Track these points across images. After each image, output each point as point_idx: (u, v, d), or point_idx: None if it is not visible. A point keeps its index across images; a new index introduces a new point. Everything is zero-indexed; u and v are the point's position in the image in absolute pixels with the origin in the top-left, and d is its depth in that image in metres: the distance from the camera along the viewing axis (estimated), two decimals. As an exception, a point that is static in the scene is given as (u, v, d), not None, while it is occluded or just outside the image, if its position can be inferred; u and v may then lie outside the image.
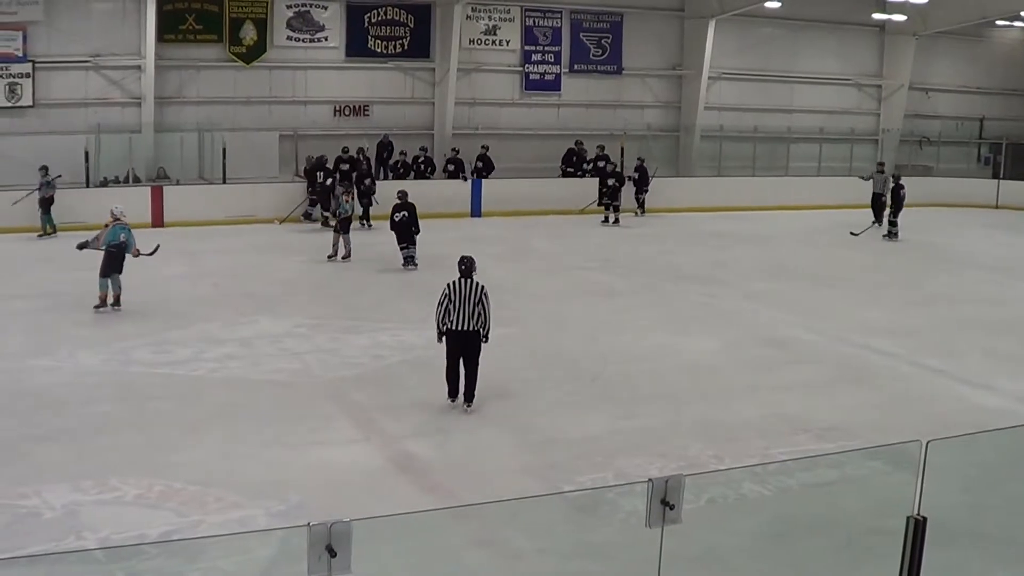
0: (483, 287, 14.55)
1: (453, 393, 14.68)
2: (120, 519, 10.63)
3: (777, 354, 18.09)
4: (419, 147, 33.95)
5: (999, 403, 15.39)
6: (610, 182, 32.86)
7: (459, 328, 14.37)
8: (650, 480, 6.26)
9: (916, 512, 6.79)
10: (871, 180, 33.05)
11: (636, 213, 34.18)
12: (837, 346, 18.73)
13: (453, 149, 34.30)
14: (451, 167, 34.00)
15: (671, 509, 6.28)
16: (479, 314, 14.39)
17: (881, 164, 34.02)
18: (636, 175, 34.43)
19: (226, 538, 8.54)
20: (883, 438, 11.82)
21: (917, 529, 6.80)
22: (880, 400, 15.57)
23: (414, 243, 24.43)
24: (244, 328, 18.55)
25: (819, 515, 10.08)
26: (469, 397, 14.57)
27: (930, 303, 22.46)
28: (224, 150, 30.74)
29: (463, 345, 14.48)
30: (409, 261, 24.46)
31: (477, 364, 14.53)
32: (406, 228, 24.34)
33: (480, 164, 33.99)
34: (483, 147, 34.34)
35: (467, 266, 14.65)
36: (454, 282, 14.51)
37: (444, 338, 14.54)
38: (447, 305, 14.39)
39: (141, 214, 28.39)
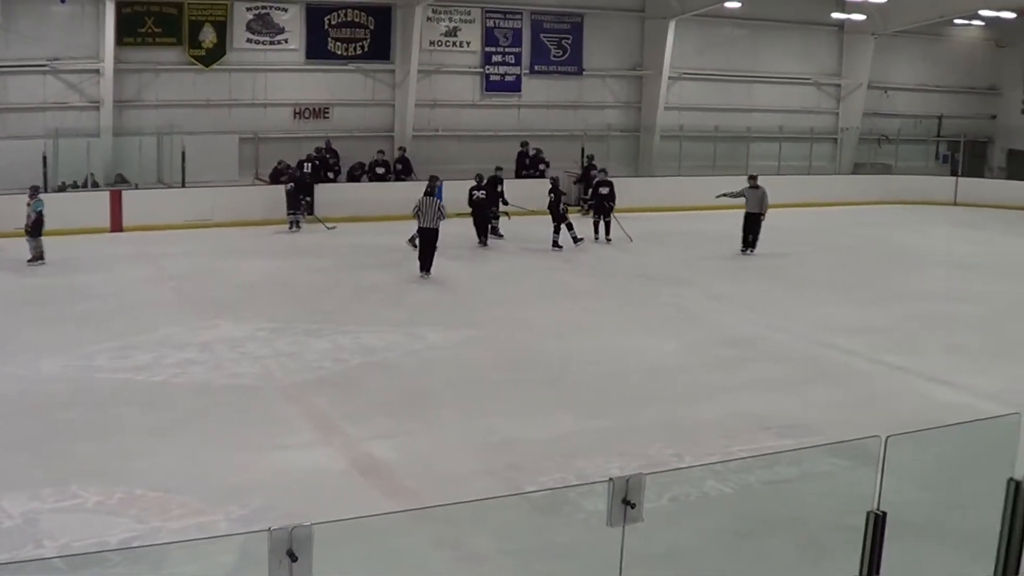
0: (439, 201, 24.18)
1: (423, 268, 23.44)
2: (80, 527, 10.57)
3: (740, 353, 18.15)
4: (377, 151, 33.80)
5: (960, 399, 15.50)
6: (604, 190, 29.98)
7: (425, 226, 23.49)
8: (611, 480, 6.27)
9: (876, 507, 6.82)
10: (742, 196, 28.20)
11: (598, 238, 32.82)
12: (800, 344, 18.82)
13: (400, 148, 34.38)
14: (399, 167, 33.98)
15: (632, 508, 6.29)
16: (437, 217, 23.50)
17: (754, 177, 28.74)
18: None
19: (187, 544, 8.49)
20: (845, 435, 11.84)
21: (877, 524, 6.84)
22: (842, 397, 15.65)
23: (299, 210, 29.82)
24: (205, 332, 18.45)
25: (781, 511, 10.12)
26: (429, 269, 23.44)
27: (892, 301, 22.56)
28: (183, 154, 30.56)
29: (428, 236, 23.52)
30: (294, 224, 29.65)
31: (435, 248, 23.55)
32: (294, 197, 29.58)
33: (400, 167, 33.99)
34: (400, 148, 34.27)
35: (430, 187, 24.42)
36: (421, 198, 23.87)
37: (417, 233, 23.70)
38: (418, 212, 23.59)
39: (100, 219, 28.31)
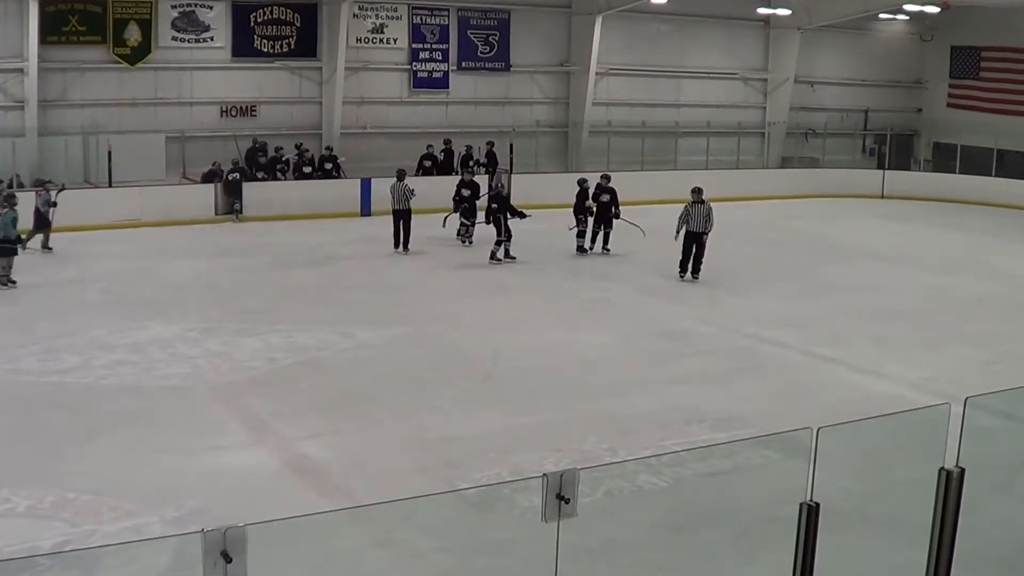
0: (407, 184, 26.26)
1: (396, 245, 26.17)
2: (11, 531, 10.45)
3: (671, 347, 18.25)
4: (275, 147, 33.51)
5: (889, 389, 15.69)
6: (605, 198, 27.23)
7: (397, 208, 26.16)
8: (545, 475, 6.26)
9: (809, 499, 6.86)
10: (687, 216, 24.12)
11: None
12: (730, 337, 18.94)
13: (327, 147, 34.20)
14: (328, 165, 33.76)
15: (566, 503, 6.28)
16: (407, 199, 25.98)
17: (698, 191, 24.43)
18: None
19: (121, 547, 8.42)
20: (776, 427, 11.96)
21: (811, 515, 6.87)
22: (773, 389, 15.78)
23: (242, 199, 30.57)
24: (134, 333, 18.25)
25: (714, 504, 10.19)
26: (407, 246, 26.19)
27: (821, 293, 22.78)
28: (109, 153, 30.21)
29: (401, 217, 26.12)
30: (237, 214, 30.40)
31: (410, 227, 26.11)
32: (238, 186, 30.49)
33: (330, 166, 33.89)
34: (246, 146, 33.62)
35: (400, 174, 26.57)
36: (393, 184, 26.33)
37: (393, 215, 26.13)
38: (391, 196, 26.11)
39: (26, 219, 27.89)
